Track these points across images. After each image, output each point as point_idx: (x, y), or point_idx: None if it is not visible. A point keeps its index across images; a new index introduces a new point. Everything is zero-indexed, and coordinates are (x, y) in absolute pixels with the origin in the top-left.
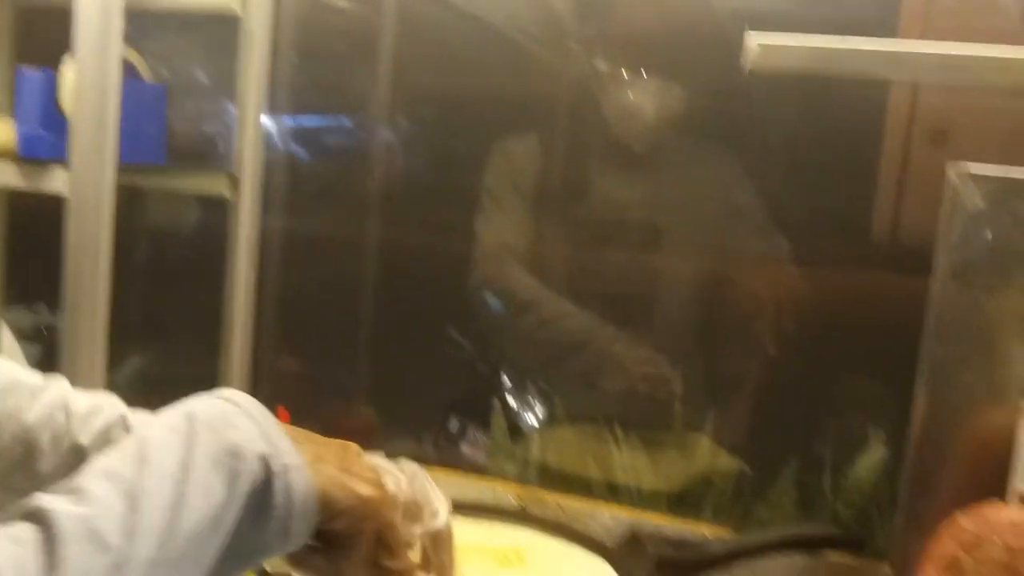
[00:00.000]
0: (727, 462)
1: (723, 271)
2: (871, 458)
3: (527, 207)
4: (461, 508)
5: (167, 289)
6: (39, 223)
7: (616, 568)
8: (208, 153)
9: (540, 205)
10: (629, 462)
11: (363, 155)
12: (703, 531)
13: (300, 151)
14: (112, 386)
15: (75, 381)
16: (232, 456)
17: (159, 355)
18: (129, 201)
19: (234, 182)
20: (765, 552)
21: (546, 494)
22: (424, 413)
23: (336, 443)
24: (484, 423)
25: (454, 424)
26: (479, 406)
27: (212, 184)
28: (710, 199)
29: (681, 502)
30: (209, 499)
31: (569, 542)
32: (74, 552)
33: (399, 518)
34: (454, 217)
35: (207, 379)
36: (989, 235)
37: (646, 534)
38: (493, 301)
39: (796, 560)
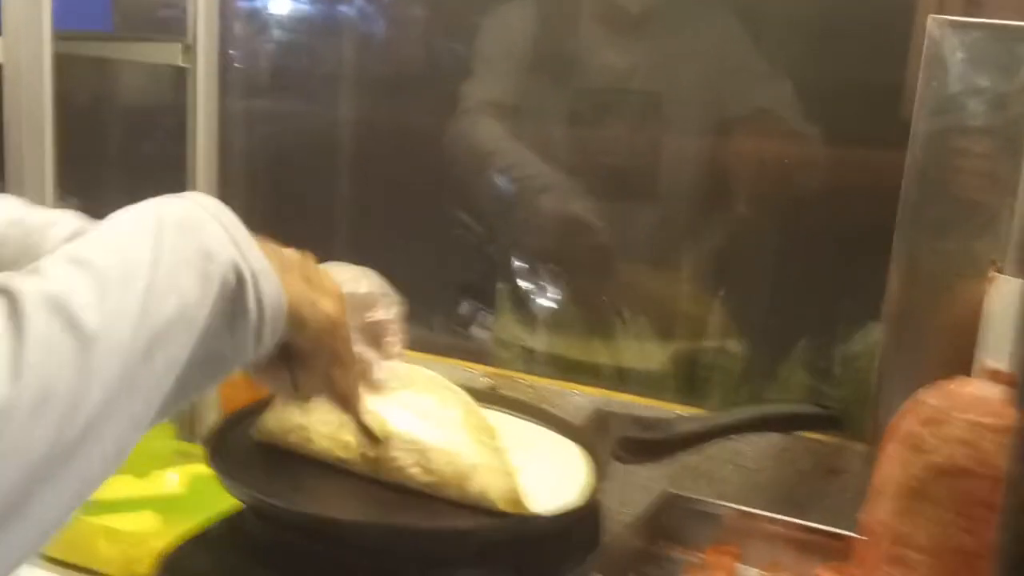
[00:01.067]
0: (735, 343)
1: (728, 143)
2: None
3: (519, 75)
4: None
5: (125, 165)
6: None
7: (580, 448)
8: (161, 21)
9: (535, 75)
10: (636, 344)
11: (334, 27)
12: (677, 411)
13: (261, 20)
14: None
15: None
16: (203, 257)
17: None
18: (79, 71)
19: (189, 51)
20: (738, 431)
21: (519, 375)
22: (429, 298)
23: (296, 253)
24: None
25: (465, 307)
26: (487, 290)
27: (165, 53)
28: (712, 65)
29: (688, 385)
30: (180, 295)
31: (534, 422)
32: (39, 321)
33: (352, 330)
34: (445, 95)
35: None
36: (968, 87)
37: (612, 414)
38: (466, 159)
39: (771, 440)
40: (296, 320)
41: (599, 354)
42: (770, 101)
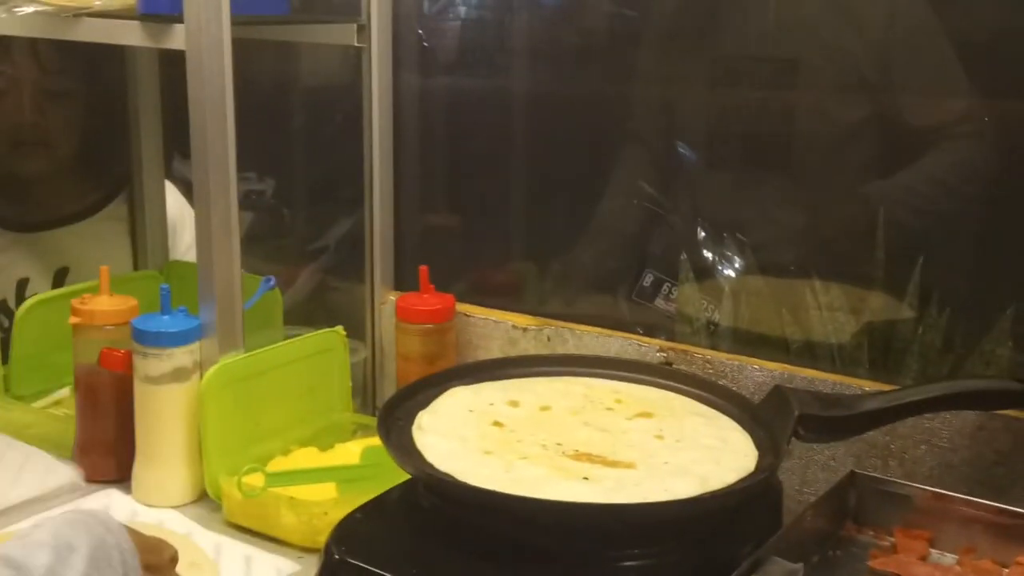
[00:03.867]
0: (935, 313)
1: (892, 103)
2: None
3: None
4: (599, 364)
5: (303, 145)
6: None
7: (757, 426)
8: (337, 2)
9: (669, 45)
10: (828, 316)
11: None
12: (865, 386)
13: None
14: (246, 249)
15: (206, 243)
16: None
17: (297, 215)
18: (255, 54)
19: (364, 30)
20: (929, 409)
21: (696, 349)
22: (613, 271)
23: None
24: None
25: (648, 279)
26: (672, 261)
27: (340, 34)
28: (865, 19)
29: (883, 360)
30: None
31: (708, 398)
32: None
33: None
34: (623, 63)
35: (349, 239)
36: None
37: (792, 390)
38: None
39: (967, 417)
40: None
41: (787, 327)
42: (938, 53)
